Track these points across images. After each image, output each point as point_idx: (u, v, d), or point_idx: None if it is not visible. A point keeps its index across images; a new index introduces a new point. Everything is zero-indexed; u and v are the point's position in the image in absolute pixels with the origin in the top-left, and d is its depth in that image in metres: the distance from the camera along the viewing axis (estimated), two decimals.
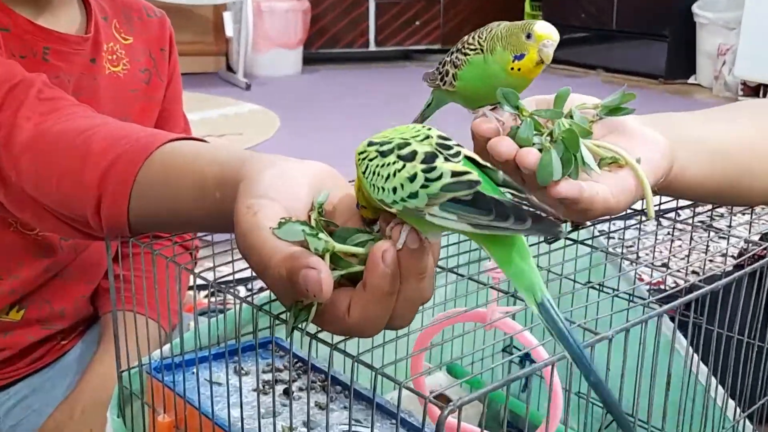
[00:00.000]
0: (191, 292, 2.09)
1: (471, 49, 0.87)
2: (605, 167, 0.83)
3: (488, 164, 0.63)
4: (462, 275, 0.88)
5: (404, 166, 0.60)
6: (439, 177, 0.59)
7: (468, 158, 0.62)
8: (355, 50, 6.99)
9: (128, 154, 0.86)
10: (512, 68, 0.84)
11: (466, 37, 0.88)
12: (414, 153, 0.61)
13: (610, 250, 1.08)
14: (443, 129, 0.64)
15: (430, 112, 0.98)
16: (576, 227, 0.95)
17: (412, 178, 0.59)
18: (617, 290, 1.09)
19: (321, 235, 0.61)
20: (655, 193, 0.88)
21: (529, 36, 0.83)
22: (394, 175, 0.60)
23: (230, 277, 0.87)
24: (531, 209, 0.58)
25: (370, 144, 0.63)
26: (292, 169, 0.69)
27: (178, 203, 0.81)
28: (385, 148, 0.62)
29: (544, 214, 0.58)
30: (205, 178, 0.76)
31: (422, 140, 0.62)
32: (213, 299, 0.90)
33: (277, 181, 0.67)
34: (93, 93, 1.28)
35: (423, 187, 0.59)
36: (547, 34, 0.83)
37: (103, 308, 1.46)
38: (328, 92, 5.83)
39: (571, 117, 0.83)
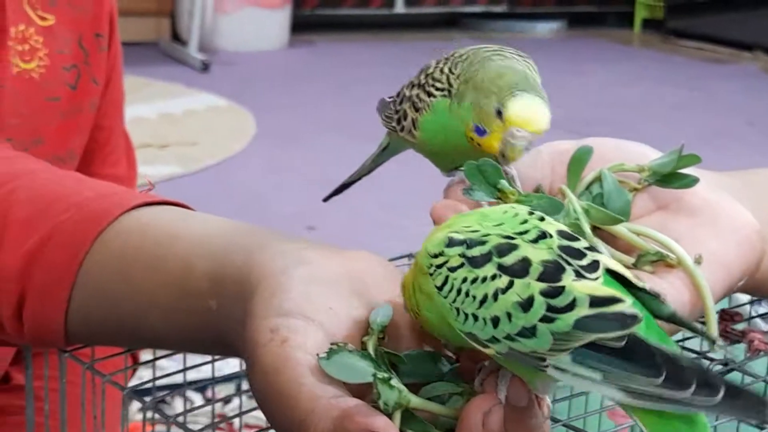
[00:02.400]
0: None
1: (437, 89, 0.65)
2: (646, 267, 0.61)
3: (644, 284, 0.48)
4: None
5: (512, 285, 0.46)
6: (571, 306, 0.46)
7: (610, 272, 0.48)
8: (373, 12, 5.25)
9: (67, 230, 0.65)
10: (471, 138, 0.63)
11: (434, 64, 0.66)
12: (526, 262, 0.47)
13: None
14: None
15: (384, 159, 0.77)
16: None
17: (527, 305, 0.46)
18: None
19: (394, 381, 0.48)
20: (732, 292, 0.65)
21: (499, 112, 0.61)
22: (495, 297, 0.47)
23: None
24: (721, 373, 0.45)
25: (451, 243, 0.48)
26: (328, 267, 0.53)
27: (144, 312, 0.61)
28: (476, 251, 0.48)
29: (744, 383, 0.45)
30: (190, 276, 0.58)
31: (535, 239, 0.48)
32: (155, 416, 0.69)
33: (312, 288, 0.52)
34: None
35: (544, 320, 0.46)
36: (521, 120, 0.60)
37: None
38: (331, 77, 4.33)
39: (600, 183, 0.63)
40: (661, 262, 0.60)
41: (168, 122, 3.52)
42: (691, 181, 0.62)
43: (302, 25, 5.10)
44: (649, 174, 0.63)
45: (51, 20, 0.99)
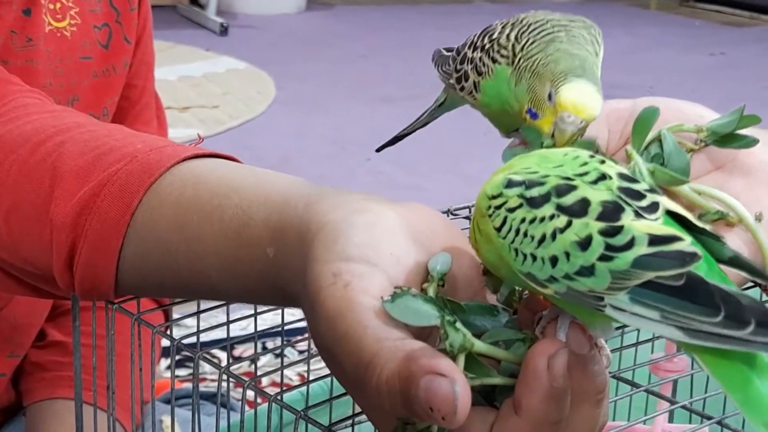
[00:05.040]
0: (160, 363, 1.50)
1: (501, 55, 0.66)
2: (706, 226, 0.59)
3: (705, 226, 0.48)
4: (633, 384, 0.65)
5: (570, 224, 0.46)
6: (630, 244, 0.45)
7: (671, 213, 0.47)
8: None
9: (120, 180, 0.64)
10: (525, 119, 0.64)
11: (500, 28, 0.66)
12: (585, 203, 0.46)
13: None
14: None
15: (440, 113, 0.78)
16: None
17: (585, 244, 0.45)
18: None
19: (458, 324, 0.47)
20: None
21: (550, 97, 0.61)
22: (554, 237, 0.46)
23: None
24: None
25: (510, 184, 0.48)
26: (388, 216, 0.52)
27: (201, 261, 0.60)
28: (535, 192, 0.47)
29: None
30: (249, 224, 0.57)
31: (594, 181, 0.47)
32: (197, 371, 0.66)
33: (374, 235, 0.51)
34: (26, 65, 0.94)
35: (603, 259, 0.45)
36: (571, 104, 0.61)
37: (31, 395, 1.08)
38: (349, 40, 4.36)
39: (659, 144, 0.63)
40: (721, 220, 0.60)
41: (188, 85, 3.53)
42: (750, 141, 0.62)
43: None
44: (708, 134, 0.63)
45: None
